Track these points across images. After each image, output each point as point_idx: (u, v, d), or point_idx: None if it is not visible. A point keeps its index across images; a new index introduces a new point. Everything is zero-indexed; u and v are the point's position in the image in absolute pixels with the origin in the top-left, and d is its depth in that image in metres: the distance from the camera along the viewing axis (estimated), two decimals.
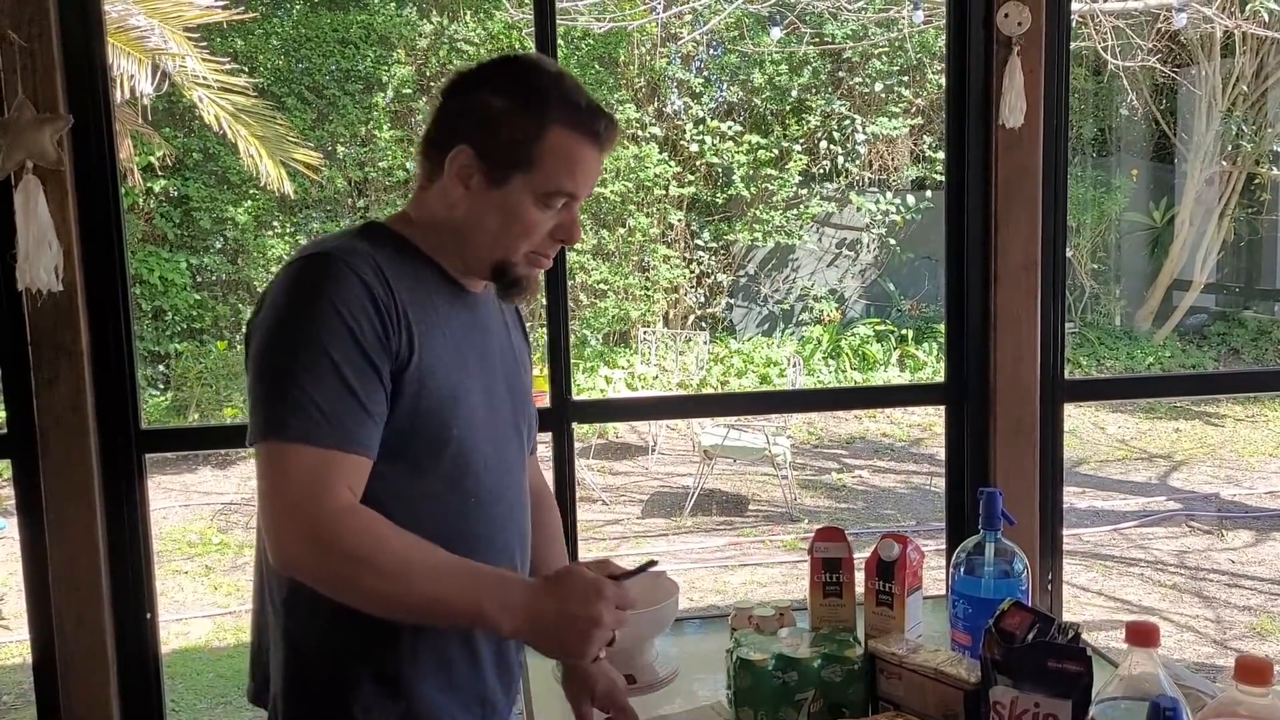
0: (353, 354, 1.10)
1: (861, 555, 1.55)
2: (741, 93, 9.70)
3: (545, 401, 2.14)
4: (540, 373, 2.73)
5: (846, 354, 9.13)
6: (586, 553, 5.02)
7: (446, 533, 1.18)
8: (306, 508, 1.06)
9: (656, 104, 9.48)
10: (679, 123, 9.44)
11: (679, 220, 9.34)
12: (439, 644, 1.22)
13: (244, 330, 1.19)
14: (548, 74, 1.21)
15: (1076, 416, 7.75)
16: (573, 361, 2.26)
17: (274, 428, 1.08)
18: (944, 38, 2.33)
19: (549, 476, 2.14)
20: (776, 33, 8.95)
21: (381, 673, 1.19)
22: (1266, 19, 8.13)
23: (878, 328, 9.39)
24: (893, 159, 9.72)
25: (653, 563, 1.27)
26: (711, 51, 9.83)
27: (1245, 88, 8.99)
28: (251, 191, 8.07)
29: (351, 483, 1.10)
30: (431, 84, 8.55)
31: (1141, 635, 1.07)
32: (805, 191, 9.46)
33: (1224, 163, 9.33)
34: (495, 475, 1.27)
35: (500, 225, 1.20)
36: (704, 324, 9.45)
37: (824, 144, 9.51)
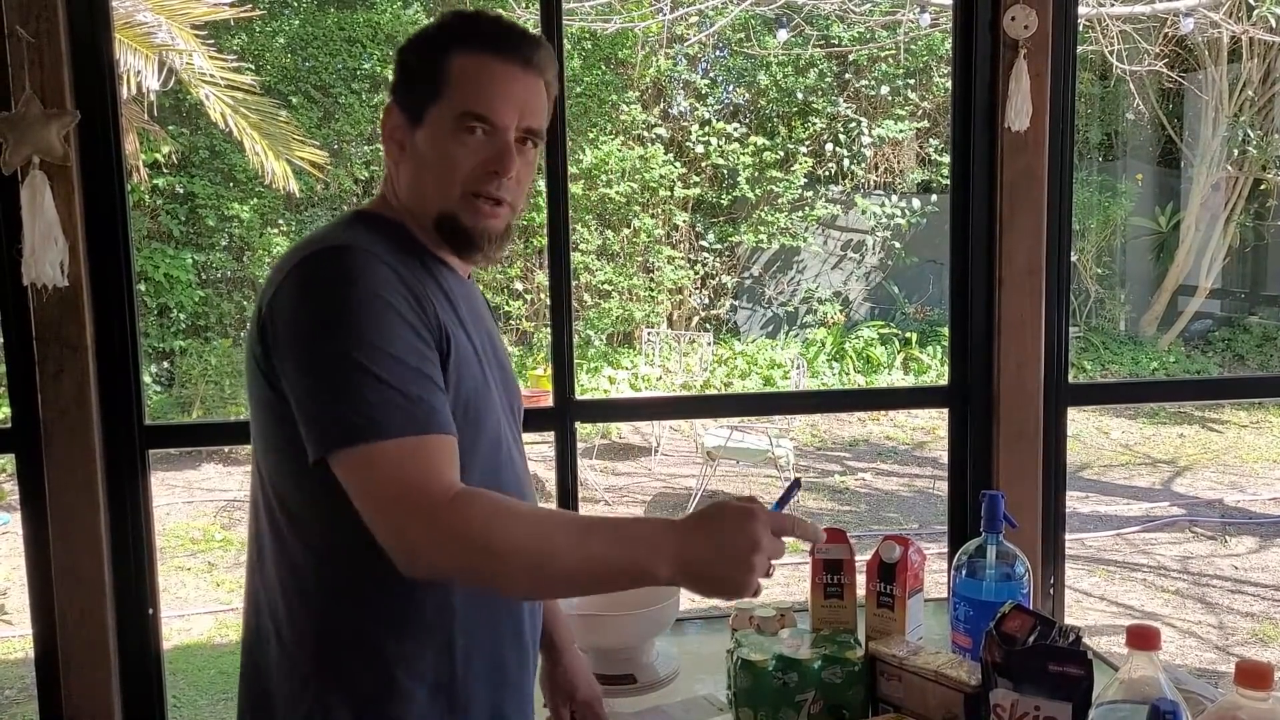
0: (410, 337, 1.04)
1: (863, 557, 1.56)
2: (747, 94, 9.71)
3: (549, 401, 2.15)
4: (544, 373, 2.74)
5: (850, 356, 9.12)
6: None
7: None
8: (423, 503, 0.99)
9: (662, 105, 9.49)
10: (684, 124, 9.45)
11: (684, 221, 9.34)
12: (493, 646, 1.18)
13: (256, 329, 1.10)
14: (459, 12, 1.19)
15: (1080, 421, 7.74)
16: (576, 362, 2.26)
17: (360, 430, 1.00)
18: (950, 41, 2.32)
19: (552, 476, 2.15)
20: (783, 35, 8.96)
21: (436, 682, 1.13)
22: (1273, 24, 8.12)
23: (882, 330, 9.38)
24: (898, 162, 9.72)
25: (798, 481, 1.19)
26: (717, 53, 9.83)
27: (1252, 93, 8.98)
28: (257, 189, 8.08)
29: (453, 465, 1.04)
30: None
31: (1142, 639, 1.07)
32: (810, 194, 9.46)
33: (1230, 168, 9.31)
34: (517, 463, 1.23)
35: (429, 168, 1.14)
36: (708, 325, 9.45)
37: (829, 146, 9.51)
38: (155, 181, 7.85)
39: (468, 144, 1.13)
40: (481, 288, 1.34)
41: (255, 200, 8.22)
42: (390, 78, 1.20)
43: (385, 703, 1.11)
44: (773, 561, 1.01)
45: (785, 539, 1.01)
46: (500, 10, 7.93)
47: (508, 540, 0.98)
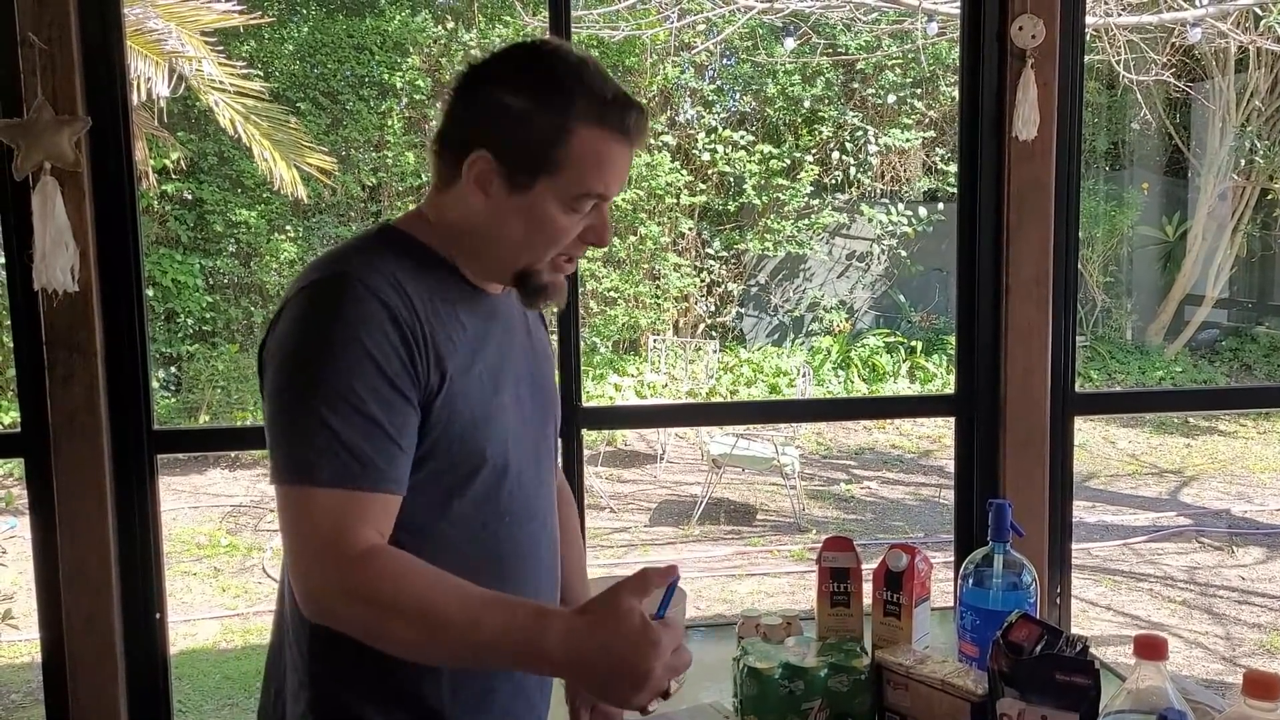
0: (379, 385, 1.04)
1: (869, 566, 1.56)
2: (754, 102, 9.72)
3: None
4: None
5: (856, 365, 9.12)
6: (593, 560, 5.03)
7: (480, 554, 1.15)
8: (330, 554, 1.01)
9: (669, 113, 9.50)
10: (691, 132, 9.46)
11: (690, 229, 9.35)
12: (484, 674, 1.18)
13: (258, 349, 1.13)
14: (569, 64, 1.10)
15: (1087, 430, 7.72)
16: (582, 368, 2.27)
17: (296, 470, 1.03)
18: (957, 50, 2.33)
19: None
20: (790, 43, 8.97)
21: (421, 707, 1.14)
22: None
23: (887, 339, 9.38)
24: (905, 170, 9.72)
25: (676, 581, 1.17)
26: (725, 61, 9.85)
27: (1259, 103, 8.97)
28: (265, 195, 8.11)
29: (379, 522, 1.04)
30: (445, 89, 8.59)
31: (1149, 648, 1.07)
32: (816, 202, 9.47)
33: (1237, 177, 9.30)
34: (528, 490, 1.22)
35: (525, 232, 1.12)
36: (714, 333, 9.45)
37: (836, 155, 9.52)
38: (164, 187, 7.87)
39: (574, 217, 1.13)
40: None
41: (263, 206, 8.25)
42: (466, 109, 1.12)
43: (372, 717, 1.14)
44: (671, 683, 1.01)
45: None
46: (509, 17, 7.85)
47: (400, 601, 1.00)
